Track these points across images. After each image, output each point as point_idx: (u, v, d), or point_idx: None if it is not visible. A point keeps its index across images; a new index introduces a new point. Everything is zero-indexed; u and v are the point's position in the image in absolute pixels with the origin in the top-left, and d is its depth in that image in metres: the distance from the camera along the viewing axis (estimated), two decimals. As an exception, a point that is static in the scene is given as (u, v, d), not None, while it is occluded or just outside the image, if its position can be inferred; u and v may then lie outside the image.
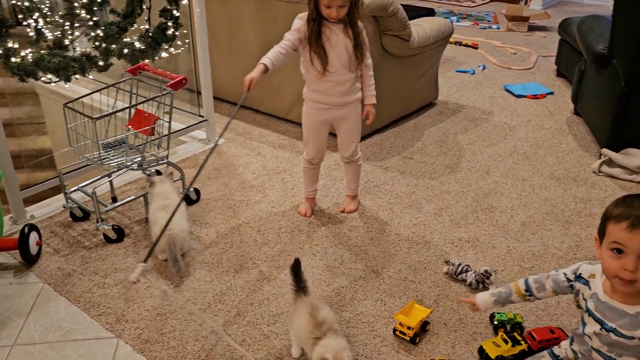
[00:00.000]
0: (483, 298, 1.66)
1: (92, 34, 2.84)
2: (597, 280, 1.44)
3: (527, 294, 1.59)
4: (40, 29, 2.78)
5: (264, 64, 2.08)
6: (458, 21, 5.95)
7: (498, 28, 5.73)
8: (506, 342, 1.73)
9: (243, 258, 2.27)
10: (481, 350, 1.76)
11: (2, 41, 2.34)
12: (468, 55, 4.84)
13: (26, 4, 2.79)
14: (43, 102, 4.54)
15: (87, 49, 2.82)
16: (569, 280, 1.51)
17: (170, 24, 2.98)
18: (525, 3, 6.67)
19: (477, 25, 5.84)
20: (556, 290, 1.54)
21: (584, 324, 1.46)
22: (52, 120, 4.60)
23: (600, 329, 1.39)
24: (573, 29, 3.61)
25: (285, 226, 2.48)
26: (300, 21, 2.18)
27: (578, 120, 3.52)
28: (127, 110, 2.47)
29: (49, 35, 2.79)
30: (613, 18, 2.81)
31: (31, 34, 2.72)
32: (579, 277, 1.48)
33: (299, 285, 1.75)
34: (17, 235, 2.22)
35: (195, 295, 2.07)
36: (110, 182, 2.61)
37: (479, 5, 6.73)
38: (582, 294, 1.47)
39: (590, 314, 1.42)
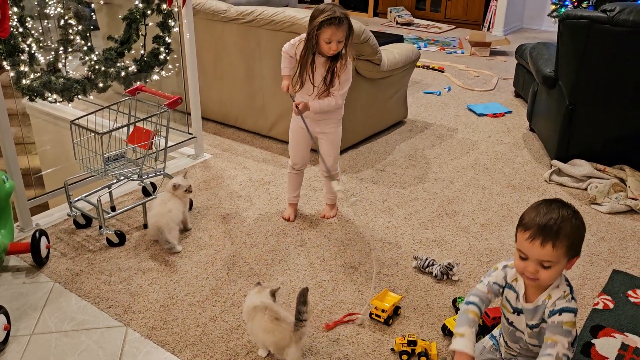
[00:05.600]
0: (468, 346, 1.63)
1: (87, 57, 3.11)
2: (520, 282, 1.64)
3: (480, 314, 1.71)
4: (34, 53, 3.03)
5: (287, 74, 2.49)
6: (426, 46, 6.37)
7: (462, 53, 6.15)
8: (465, 319, 2.03)
9: (235, 257, 2.53)
10: (444, 327, 2.06)
11: (14, 65, 2.58)
12: (435, 78, 5.23)
13: (20, 30, 3.04)
14: (33, 122, 4.75)
15: (76, 72, 3.07)
16: (500, 286, 1.70)
17: (162, 49, 3.27)
18: (488, 30, 7.15)
19: (444, 50, 6.25)
20: (495, 296, 1.73)
21: (513, 324, 1.68)
22: (41, 139, 4.80)
23: (526, 326, 1.64)
24: (527, 54, 4.01)
25: (271, 230, 2.75)
26: (290, 46, 2.52)
27: (532, 136, 3.89)
28: (126, 126, 2.73)
29: (41, 59, 3.04)
30: (557, 46, 3.20)
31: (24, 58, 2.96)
32: (509, 285, 1.68)
33: (300, 314, 1.85)
34: (27, 241, 2.45)
35: (193, 289, 2.32)
36: (110, 192, 2.85)
37: (445, 31, 7.18)
38: (507, 298, 1.68)
39: (518, 313, 1.64)
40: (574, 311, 1.55)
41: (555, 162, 3.31)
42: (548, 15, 6.07)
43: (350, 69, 2.48)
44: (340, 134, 2.68)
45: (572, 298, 1.57)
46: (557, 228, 1.47)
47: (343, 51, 2.41)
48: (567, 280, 1.61)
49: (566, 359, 1.52)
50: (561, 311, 1.53)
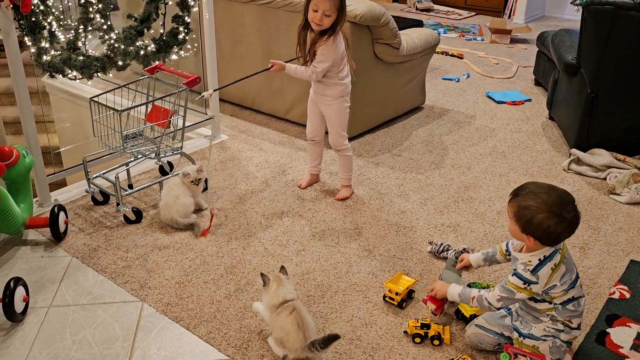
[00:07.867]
0: (474, 256, 2.06)
1: (106, 36, 3.12)
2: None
3: (507, 254, 1.95)
4: (54, 31, 3.03)
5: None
6: (445, 33, 6.30)
7: (482, 40, 6.07)
8: (479, 304, 2.02)
9: (250, 238, 2.54)
10: (457, 312, 2.06)
11: (35, 41, 2.60)
12: (454, 65, 5.17)
13: (41, 7, 3.05)
14: (53, 100, 4.79)
15: (95, 51, 3.08)
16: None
17: (181, 28, 3.27)
18: (509, 17, 7.04)
19: (463, 36, 6.18)
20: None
21: None
22: (60, 117, 4.84)
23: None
24: (548, 41, 3.94)
25: (286, 212, 2.75)
26: None
27: (552, 125, 3.84)
28: (145, 105, 2.74)
29: (61, 37, 3.04)
30: (580, 32, 3.15)
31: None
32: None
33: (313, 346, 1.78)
34: (46, 216, 2.48)
35: (208, 267, 2.34)
36: (128, 170, 2.87)
37: (465, 18, 7.09)
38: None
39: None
40: (522, 279, 1.73)
41: (574, 150, 3.27)
42: (571, 3, 5.97)
43: (332, 48, 2.43)
44: (341, 112, 2.68)
45: (533, 271, 1.71)
46: (514, 194, 1.75)
47: (336, 28, 2.42)
48: (546, 258, 1.72)
49: (486, 303, 1.80)
50: (513, 273, 1.77)
